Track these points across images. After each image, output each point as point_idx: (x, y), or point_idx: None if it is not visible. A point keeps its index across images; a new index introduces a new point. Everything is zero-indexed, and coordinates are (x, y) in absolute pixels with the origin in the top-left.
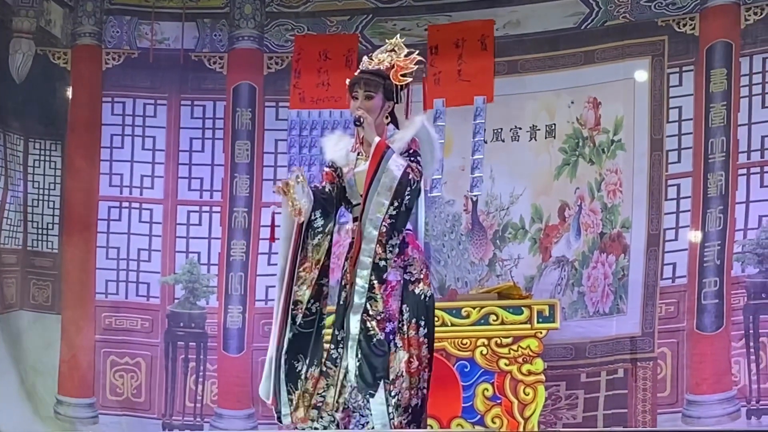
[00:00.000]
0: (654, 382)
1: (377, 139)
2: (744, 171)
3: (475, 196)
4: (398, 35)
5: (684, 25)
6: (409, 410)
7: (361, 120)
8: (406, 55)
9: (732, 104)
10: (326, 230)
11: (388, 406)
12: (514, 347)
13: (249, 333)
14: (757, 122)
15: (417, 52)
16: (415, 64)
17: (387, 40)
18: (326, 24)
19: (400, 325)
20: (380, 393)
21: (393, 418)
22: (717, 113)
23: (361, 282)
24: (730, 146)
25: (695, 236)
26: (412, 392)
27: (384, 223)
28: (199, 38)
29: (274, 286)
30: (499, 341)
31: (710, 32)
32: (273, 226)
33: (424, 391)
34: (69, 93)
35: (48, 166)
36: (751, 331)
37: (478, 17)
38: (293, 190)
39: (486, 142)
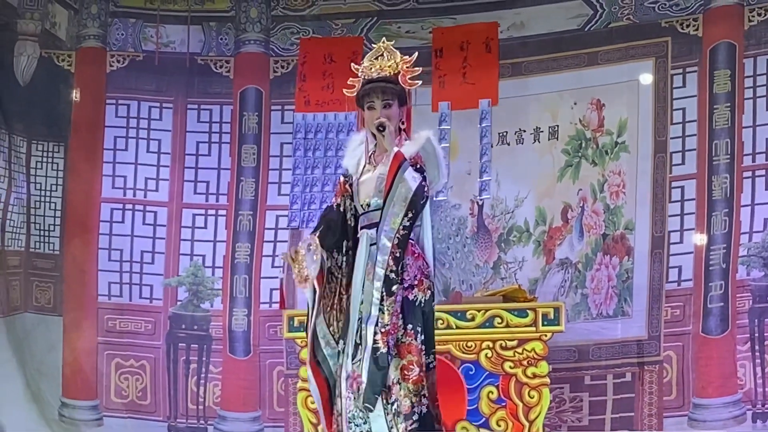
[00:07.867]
0: (660, 385)
1: (395, 149)
2: (749, 173)
3: (483, 199)
4: (384, 39)
5: (687, 26)
6: (415, 417)
7: (385, 126)
8: (401, 58)
9: (736, 106)
10: (347, 251)
11: (386, 414)
12: (519, 350)
13: (254, 336)
14: (762, 124)
15: (416, 54)
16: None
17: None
18: (331, 27)
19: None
20: (378, 404)
21: (393, 427)
22: (721, 115)
23: (376, 294)
24: (735, 148)
25: (700, 239)
26: (415, 399)
27: (397, 235)
28: (205, 42)
29: (277, 289)
30: (503, 344)
31: (714, 33)
32: (282, 294)
33: (432, 397)
34: (73, 95)
35: (50, 168)
36: (757, 335)
37: (482, 20)
38: (302, 257)
39: (492, 146)
